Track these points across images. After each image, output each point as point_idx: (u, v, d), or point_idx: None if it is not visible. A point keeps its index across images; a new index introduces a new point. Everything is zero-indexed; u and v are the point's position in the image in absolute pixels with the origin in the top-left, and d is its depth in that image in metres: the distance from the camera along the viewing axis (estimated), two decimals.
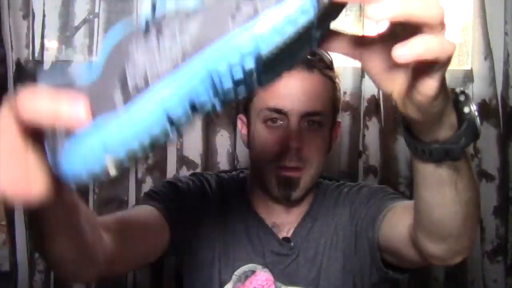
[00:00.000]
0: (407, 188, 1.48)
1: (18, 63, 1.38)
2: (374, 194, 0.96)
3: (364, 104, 1.47)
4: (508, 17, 1.48)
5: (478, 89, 1.50)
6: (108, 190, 1.39)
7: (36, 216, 0.55)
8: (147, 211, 0.90)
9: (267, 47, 0.38)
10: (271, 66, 0.40)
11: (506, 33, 1.49)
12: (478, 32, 1.49)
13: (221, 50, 0.37)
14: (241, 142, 1.41)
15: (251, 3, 0.37)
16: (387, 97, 1.49)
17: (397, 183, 1.49)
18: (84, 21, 1.40)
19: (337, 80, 1.00)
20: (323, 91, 0.96)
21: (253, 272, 0.95)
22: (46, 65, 1.39)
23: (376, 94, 1.46)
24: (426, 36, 0.42)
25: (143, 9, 0.41)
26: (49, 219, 0.54)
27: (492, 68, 1.48)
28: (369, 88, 1.47)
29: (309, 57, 0.94)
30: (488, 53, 1.48)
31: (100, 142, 0.38)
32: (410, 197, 1.48)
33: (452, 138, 0.51)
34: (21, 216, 1.37)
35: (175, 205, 0.94)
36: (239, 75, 0.38)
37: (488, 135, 1.49)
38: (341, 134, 1.46)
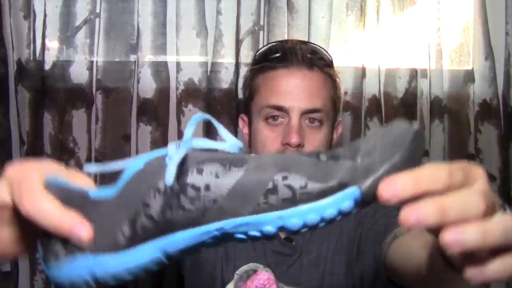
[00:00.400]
0: None
1: (19, 63, 1.38)
2: (381, 205, 0.94)
3: (365, 104, 1.47)
4: (509, 17, 1.48)
5: (479, 89, 1.50)
6: None
7: None
8: None
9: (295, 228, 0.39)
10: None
11: (507, 33, 1.49)
12: (479, 32, 1.49)
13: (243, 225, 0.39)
14: (241, 142, 1.42)
15: (286, 188, 0.38)
16: (388, 97, 1.49)
17: None
18: (85, 21, 1.40)
19: (337, 79, 1.01)
20: (323, 89, 0.97)
21: (254, 271, 0.95)
22: (47, 65, 1.39)
23: (377, 94, 1.46)
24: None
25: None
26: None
27: (493, 68, 1.48)
28: (370, 88, 1.47)
29: (309, 55, 0.95)
30: (489, 53, 1.48)
31: (89, 271, 0.40)
32: None
33: None
34: None
35: None
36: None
37: (489, 135, 1.49)
38: (342, 134, 1.46)
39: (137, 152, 1.42)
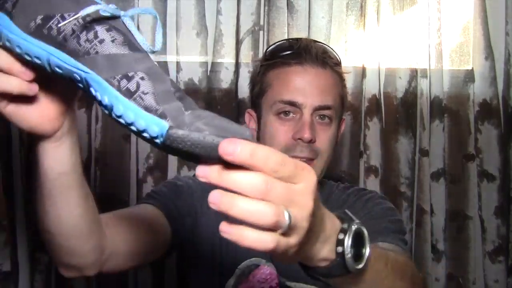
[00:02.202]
0: (408, 188, 1.48)
1: None
2: (374, 217, 0.96)
3: (365, 104, 1.47)
4: (509, 17, 1.48)
5: (479, 89, 1.50)
6: (109, 190, 1.40)
7: (43, 167, 0.59)
8: (148, 209, 0.90)
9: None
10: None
11: (507, 33, 1.49)
12: (479, 32, 1.49)
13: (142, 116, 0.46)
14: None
15: (136, 85, 0.46)
16: (388, 97, 1.49)
17: (398, 183, 1.49)
18: None
19: (344, 78, 1.04)
20: (334, 87, 0.99)
21: (256, 266, 0.95)
22: None
23: (377, 94, 1.46)
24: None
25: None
26: (55, 167, 0.59)
27: (493, 68, 1.48)
28: (370, 88, 1.47)
29: (322, 54, 0.98)
30: (489, 53, 1.48)
31: None
32: (411, 198, 1.49)
33: (324, 269, 0.55)
34: (22, 216, 1.37)
35: (175, 203, 0.95)
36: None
37: (489, 135, 1.49)
38: (342, 133, 1.46)
39: (137, 152, 1.42)
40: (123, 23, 0.50)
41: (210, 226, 0.98)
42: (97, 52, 0.48)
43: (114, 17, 0.49)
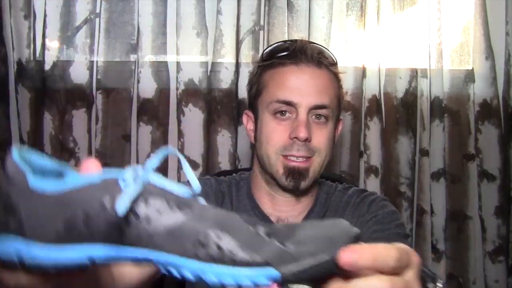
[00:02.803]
0: (408, 188, 1.48)
1: (19, 63, 1.38)
2: (381, 222, 0.96)
3: (365, 104, 1.47)
4: (509, 17, 1.48)
5: (479, 89, 1.50)
6: None
7: None
8: None
9: None
10: None
11: (507, 33, 1.49)
12: (479, 32, 1.49)
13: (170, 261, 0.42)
14: (242, 142, 1.42)
15: (216, 247, 0.41)
16: (388, 97, 1.49)
17: (398, 183, 1.49)
18: (85, 21, 1.40)
19: (340, 78, 1.04)
20: (330, 86, 0.99)
21: None
22: (47, 65, 1.39)
23: (377, 94, 1.46)
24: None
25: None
26: None
27: (493, 68, 1.48)
28: (370, 88, 1.47)
29: (317, 54, 0.98)
30: (489, 53, 1.48)
31: (17, 253, 0.41)
32: (412, 198, 1.49)
33: None
34: None
35: None
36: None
37: (489, 135, 1.49)
38: (342, 134, 1.46)
39: (137, 152, 1.42)
40: (153, 184, 0.43)
41: None
42: (150, 235, 0.41)
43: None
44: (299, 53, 0.98)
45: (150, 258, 0.42)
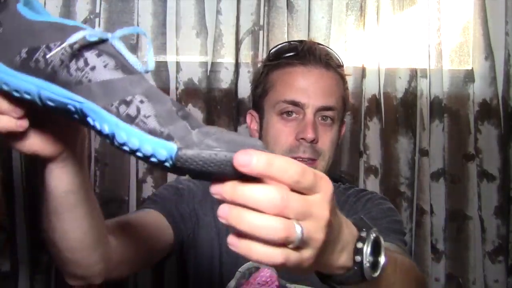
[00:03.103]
0: (407, 188, 1.48)
1: None
2: (374, 218, 0.96)
3: (365, 104, 1.47)
4: (509, 17, 1.48)
5: (479, 89, 1.50)
6: (109, 190, 1.39)
7: (49, 186, 0.58)
8: (150, 214, 0.90)
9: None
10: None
11: (507, 33, 1.49)
12: (479, 32, 1.49)
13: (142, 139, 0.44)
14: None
15: (136, 109, 0.45)
16: (388, 97, 1.49)
17: (398, 183, 1.49)
18: (85, 21, 1.40)
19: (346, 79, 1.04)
20: (337, 88, 1.00)
21: (257, 268, 0.95)
22: None
23: (377, 94, 1.46)
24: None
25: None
26: (61, 186, 0.58)
27: (493, 68, 1.48)
28: (370, 88, 1.47)
29: (325, 56, 0.98)
30: (489, 53, 1.48)
31: None
32: (411, 198, 1.49)
33: (341, 277, 0.54)
34: (22, 216, 1.37)
35: (177, 206, 0.95)
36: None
37: (489, 135, 1.49)
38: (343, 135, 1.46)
39: None
40: (112, 45, 0.47)
41: (211, 229, 0.99)
42: (90, 80, 0.46)
43: (102, 41, 0.47)
44: (308, 53, 0.99)
45: (82, 104, 0.46)
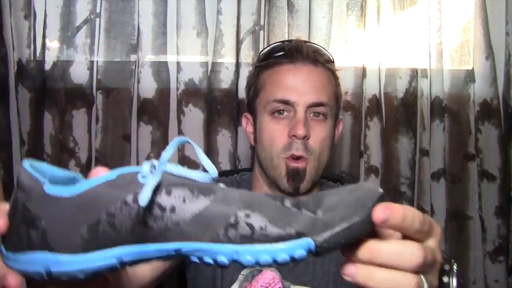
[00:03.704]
0: (408, 188, 1.48)
1: (19, 63, 1.38)
2: None
3: (365, 104, 1.47)
4: (509, 17, 1.48)
5: (479, 89, 1.50)
6: None
7: None
8: None
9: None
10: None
11: (507, 33, 1.49)
12: (479, 32, 1.49)
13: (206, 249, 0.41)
14: (242, 142, 1.42)
15: (247, 226, 0.40)
16: (389, 97, 1.49)
17: (398, 183, 1.49)
18: (85, 21, 1.40)
19: (338, 75, 1.03)
20: (328, 84, 0.99)
21: (259, 271, 0.95)
22: (48, 65, 1.39)
23: (377, 94, 1.46)
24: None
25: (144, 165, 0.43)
26: None
27: (493, 68, 1.48)
28: (370, 88, 1.47)
29: (313, 52, 0.98)
30: (490, 53, 1.48)
31: (45, 267, 0.41)
32: (412, 198, 1.48)
33: None
34: None
35: None
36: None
37: (489, 135, 1.49)
38: (343, 134, 1.45)
39: (137, 152, 1.42)
40: (170, 173, 0.43)
41: None
42: (178, 223, 0.40)
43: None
44: (295, 52, 0.98)
45: (180, 249, 0.41)
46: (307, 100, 0.95)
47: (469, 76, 1.51)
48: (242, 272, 0.95)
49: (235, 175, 1.10)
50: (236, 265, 0.41)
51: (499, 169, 1.49)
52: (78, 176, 0.45)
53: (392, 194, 1.48)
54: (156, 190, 0.41)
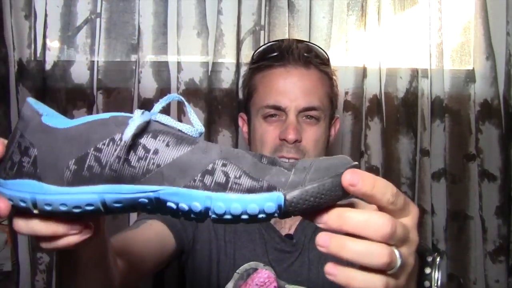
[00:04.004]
0: (409, 188, 1.48)
1: (20, 63, 1.38)
2: None
3: (366, 104, 1.47)
4: (510, 17, 1.48)
5: (480, 89, 1.50)
6: None
7: (68, 254, 0.55)
8: (153, 226, 0.91)
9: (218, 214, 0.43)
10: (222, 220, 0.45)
11: (508, 33, 1.49)
12: (480, 32, 1.49)
13: (181, 195, 0.43)
14: (243, 142, 1.42)
15: (222, 174, 0.42)
16: (389, 97, 1.49)
17: (399, 183, 1.49)
18: (86, 21, 1.40)
19: (334, 76, 1.02)
20: (320, 87, 0.98)
21: (255, 269, 0.95)
22: (48, 65, 1.39)
23: (378, 94, 1.46)
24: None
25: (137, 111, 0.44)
26: (83, 256, 0.55)
27: (494, 68, 1.48)
28: (371, 88, 1.46)
29: (305, 54, 0.97)
30: (490, 53, 1.48)
31: (31, 194, 0.43)
32: (412, 198, 1.48)
33: None
34: None
35: None
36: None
37: (490, 135, 1.49)
38: (343, 134, 1.46)
39: None
40: (159, 121, 0.45)
41: (208, 231, 0.99)
42: (158, 165, 0.43)
43: (147, 122, 0.44)
44: (287, 53, 0.98)
45: (158, 191, 0.43)
46: (298, 105, 0.95)
47: (470, 76, 1.51)
48: (237, 271, 0.95)
49: None
50: (209, 216, 0.42)
51: (499, 169, 1.49)
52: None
53: None
54: (143, 133, 0.43)
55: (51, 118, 0.45)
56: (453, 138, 1.51)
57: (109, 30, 1.43)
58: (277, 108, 0.96)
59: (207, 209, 0.42)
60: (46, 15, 1.38)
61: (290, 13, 1.43)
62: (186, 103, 0.47)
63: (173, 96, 0.46)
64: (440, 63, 1.47)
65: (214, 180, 0.42)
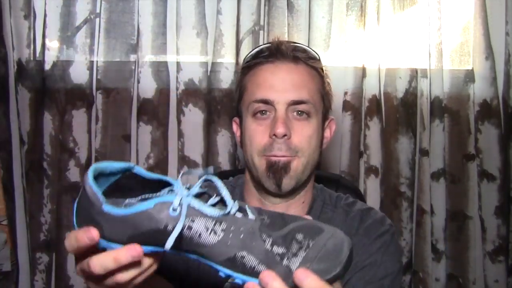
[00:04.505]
0: (408, 188, 1.48)
1: (19, 63, 1.38)
2: (381, 263, 0.93)
3: (365, 104, 1.47)
4: (509, 17, 1.48)
5: (479, 89, 1.50)
6: None
7: None
8: None
9: None
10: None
11: (507, 33, 1.49)
12: (479, 32, 1.49)
13: None
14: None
15: (240, 261, 0.58)
16: (388, 97, 1.49)
17: (398, 183, 1.49)
18: (85, 21, 1.40)
19: (327, 78, 1.01)
20: (310, 81, 0.97)
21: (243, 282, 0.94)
22: (47, 65, 1.39)
23: (377, 94, 1.46)
24: None
25: None
26: None
27: (493, 68, 1.48)
28: (370, 88, 1.47)
29: (294, 50, 0.96)
30: (489, 53, 1.48)
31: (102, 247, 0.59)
32: (412, 198, 1.49)
33: None
34: (22, 216, 1.37)
35: None
36: None
37: (489, 135, 1.49)
38: (342, 134, 1.46)
39: (137, 152, 1.42)
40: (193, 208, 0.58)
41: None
42: (202, 246, 0.57)
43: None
44: (275, 51, 0.97)
45: (200, 261, 0.58)
46: (287, 98, 0.93)
47: (469, 76, 1.51)
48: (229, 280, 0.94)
49: (230, 179, 1.09)
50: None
51: (499, 169, 1.49)
52: (131, 165, 0.61)
53: (392, 194, 1.48)
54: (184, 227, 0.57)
55: (109, 206, 0.58)
56: (452, 138, 1.51)
57: (108, 30, 1.43)
58: (265, 102, 0.93)
59: (228, 277, 0.58)
60: (45, 15, 1.39)
61: (289, 13, 1.43)
62: (219, 182, 0.59)
63: (206, 178, 0.59)
64: (439, 63, 1.47)
65: (235, 265, 0.58)
